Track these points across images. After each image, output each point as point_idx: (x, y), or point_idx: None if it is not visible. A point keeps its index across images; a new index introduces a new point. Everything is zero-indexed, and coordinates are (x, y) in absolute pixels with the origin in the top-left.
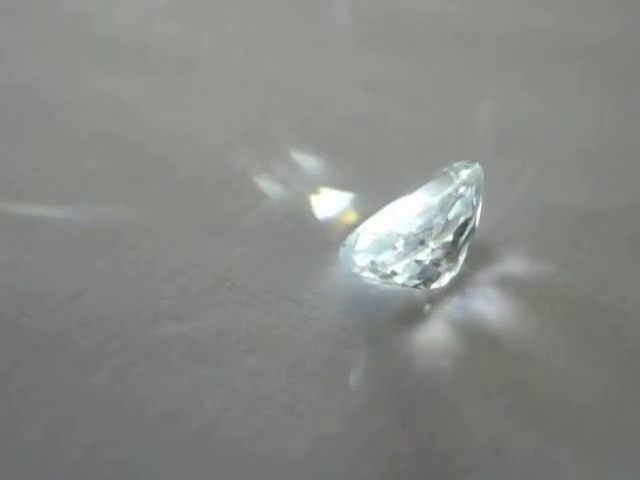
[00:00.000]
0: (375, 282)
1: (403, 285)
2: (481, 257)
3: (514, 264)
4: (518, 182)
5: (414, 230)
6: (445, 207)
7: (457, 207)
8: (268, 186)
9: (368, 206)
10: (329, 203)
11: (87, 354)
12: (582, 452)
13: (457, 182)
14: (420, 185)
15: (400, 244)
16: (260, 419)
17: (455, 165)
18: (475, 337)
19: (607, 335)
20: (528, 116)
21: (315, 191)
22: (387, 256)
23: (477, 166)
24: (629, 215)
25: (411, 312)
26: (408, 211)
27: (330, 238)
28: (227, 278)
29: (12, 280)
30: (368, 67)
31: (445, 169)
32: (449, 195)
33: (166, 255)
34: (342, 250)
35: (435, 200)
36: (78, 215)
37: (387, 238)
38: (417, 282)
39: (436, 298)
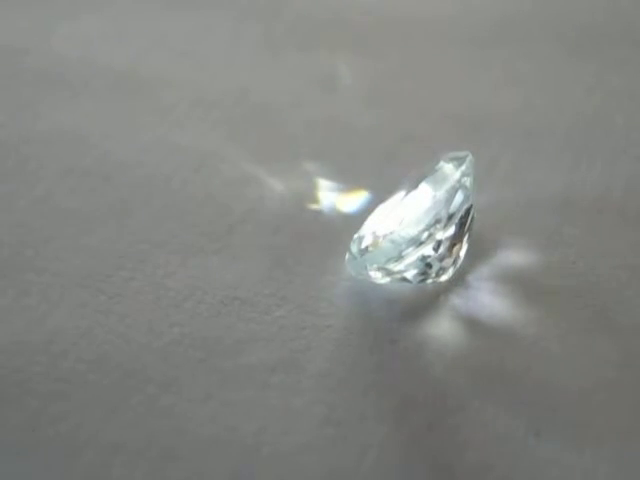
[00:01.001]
0: (382, 282)
1: (411, 282)
2: (476, 247)
3: (509, 252)
4: (497, 167)
5: (422, 227)
6: (449, 199)
7: (459, 198)
8: (253, 198)
9: (360, 206)
10: (319, 207)
11: (108, 393)
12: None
13: (458, 173)
14: (409, 180)
15: (410, 243)
16: (300, 434)
17: (448, 157)
18: (489, 330)
19: (610, 321)
20: (495, 101)
21: (302, 197)
22: (396, 256)
23: (470, 156)
24: (611, 188)
25: (423, 308)
26: (414, 208)
27: (329, 242)
28: (234, 297)
29: (12, 328)
30: (323, 69)
31: (440, 163)
32: (452, 187)
33: (166, 282)
34: (349, 254)
35: (441, 194)
36: (67, 254)
37: (398, 239)
38: (424, 277)
39: (445, 291)
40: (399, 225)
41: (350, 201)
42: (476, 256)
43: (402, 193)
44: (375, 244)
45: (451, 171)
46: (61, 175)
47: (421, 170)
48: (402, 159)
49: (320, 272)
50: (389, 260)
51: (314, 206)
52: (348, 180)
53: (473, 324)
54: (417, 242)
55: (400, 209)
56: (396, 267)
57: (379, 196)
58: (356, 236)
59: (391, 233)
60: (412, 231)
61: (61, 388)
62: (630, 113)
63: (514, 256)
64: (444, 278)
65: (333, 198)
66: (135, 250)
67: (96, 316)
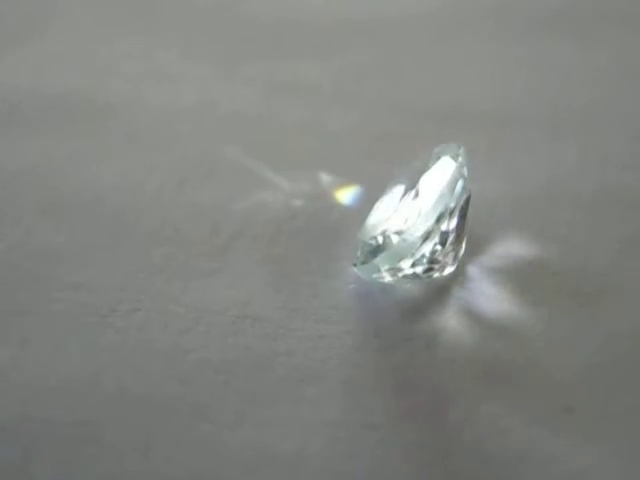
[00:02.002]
0: (388, 280)
1: (420, 277)
2: (471, 237)
3: (503, 240)
4: (477, 158)
5: (432, 222)
6: (452, 191)
7: (459, 188)
8: (243, 210)
9: (350, 206)
10: (311, 212)
11: (137, 430)
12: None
13: (457, 164)
14: (404, 176)
15: (421, 240)
16: (342, 442)
17: (439, 150)
18: (498, 319)
19: (613, 298)
20: (466, 90)
21: (292, 204)
22: (408, 254)
23: (462, 147)
24: (594, 172)
25: (432, 303)
26: (420, 205)
27: (327, 246)
28: (245, 315)
29: (22, 376)
30: (285, 73)
31: (433, 156)
32: (453, 178)
33: (172, 308)
34: (358, 258)
35: (444, 187)
36: (63, 294)
37: (409, 237)
38: (431, 272)
39: (450, 284)
40: (408, 223)
41: (340, 202)
42: (473, 246)
43: (400, 190)
44: (387, 245)
45: (449, 163)
46: (39, 212)
47: (414, 165)
48: (382, 156)
49: (324, 278)
50: (402, 259)
51: (305, 212)
52: (334, 181)
53: (482, 315)
54: (427, 238)
55: (405, 207)
56: (406, 265)
57: (366, 195)
58: (362, 238)
59: (402, 232)
60: (422, 227)
61: (88, 431)
62: (603, 95)
63: (508, 243)
64: (449, 270)
65: (323, 201)
66: (133, 280)
67: (108, 353)
